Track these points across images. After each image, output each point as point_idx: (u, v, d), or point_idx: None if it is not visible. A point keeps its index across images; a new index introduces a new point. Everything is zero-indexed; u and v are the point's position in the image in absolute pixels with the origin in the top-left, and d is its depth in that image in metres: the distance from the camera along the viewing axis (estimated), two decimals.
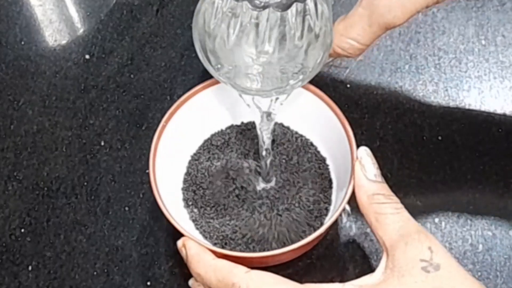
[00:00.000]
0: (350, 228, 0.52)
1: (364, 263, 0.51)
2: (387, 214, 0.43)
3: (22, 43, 0.64)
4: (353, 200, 0.46)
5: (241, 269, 0.42)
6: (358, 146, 0.47)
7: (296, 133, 0.54)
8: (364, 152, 0.46)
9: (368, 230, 0.51)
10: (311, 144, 0.53)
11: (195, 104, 0.51)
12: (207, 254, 0.44)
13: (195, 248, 0.44)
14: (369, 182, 0.44)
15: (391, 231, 0.42)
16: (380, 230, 0.43)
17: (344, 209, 0.52)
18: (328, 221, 0.46)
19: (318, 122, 0.51)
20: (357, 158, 0.46)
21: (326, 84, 0.59)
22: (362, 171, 0.45)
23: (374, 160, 0.46)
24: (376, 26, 0.44)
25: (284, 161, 0.53)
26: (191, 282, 0.47)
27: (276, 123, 0.54)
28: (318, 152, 0.53)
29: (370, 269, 0.44)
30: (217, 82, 0.50)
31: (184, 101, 0.51)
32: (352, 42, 0.45)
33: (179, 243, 0.45)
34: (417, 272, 0.40)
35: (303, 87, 0.51)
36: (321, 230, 0.45)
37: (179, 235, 0.46)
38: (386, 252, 0.42)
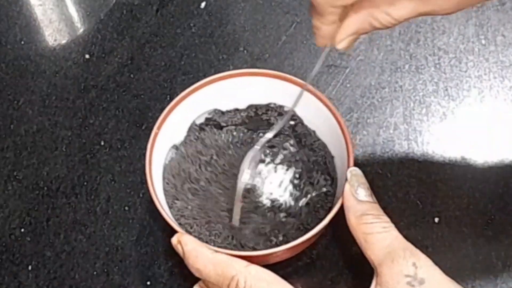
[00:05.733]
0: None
1: (364, 263, 0.51)
2: (374, 233, 0.43)
3: (22, 42, 0.64)
4: None
5: (241, 262, 0.42)
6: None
7: (306, 127, 0.53)
8: (354, 173, 0.46)
9: None
10: (323, 143, 0.52)
11: (188, 106, 0.51)
12: (205, 248, 0.44)
13: (192, 243, 0.44)
14: (358, 203, 0.44)
15: (379, 250, 0.43)
16: (369, 250, 0.43)
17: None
18: (325, 220, 0.45)
19: (319, 123, 0.51)
20: (346, 179, 0.46)
21: (326, 84, 0.59)
22: (351, 191, 0.45)
23: (364, 180, 0.45)
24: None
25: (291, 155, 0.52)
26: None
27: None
28: (328, 151, 0.52)
29: (370, 269, 0.44)
30: (209, 83, 0.51)
31: (176, 104, 0.50)
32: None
33: (174, 240, 0.44)
34: (402, 287, 0.40)
35: (303, 88, 0.51)
36: (317, 229, 0.45)
37: None
38: (376, 271, 0.43)
